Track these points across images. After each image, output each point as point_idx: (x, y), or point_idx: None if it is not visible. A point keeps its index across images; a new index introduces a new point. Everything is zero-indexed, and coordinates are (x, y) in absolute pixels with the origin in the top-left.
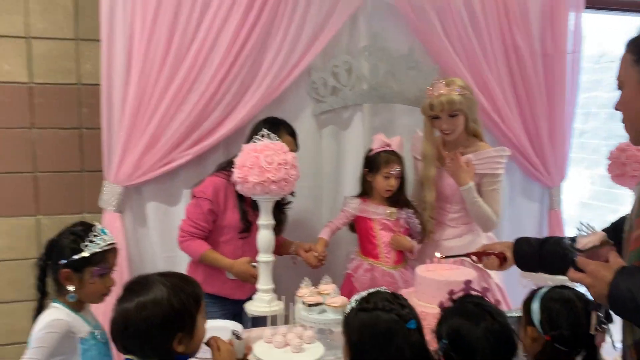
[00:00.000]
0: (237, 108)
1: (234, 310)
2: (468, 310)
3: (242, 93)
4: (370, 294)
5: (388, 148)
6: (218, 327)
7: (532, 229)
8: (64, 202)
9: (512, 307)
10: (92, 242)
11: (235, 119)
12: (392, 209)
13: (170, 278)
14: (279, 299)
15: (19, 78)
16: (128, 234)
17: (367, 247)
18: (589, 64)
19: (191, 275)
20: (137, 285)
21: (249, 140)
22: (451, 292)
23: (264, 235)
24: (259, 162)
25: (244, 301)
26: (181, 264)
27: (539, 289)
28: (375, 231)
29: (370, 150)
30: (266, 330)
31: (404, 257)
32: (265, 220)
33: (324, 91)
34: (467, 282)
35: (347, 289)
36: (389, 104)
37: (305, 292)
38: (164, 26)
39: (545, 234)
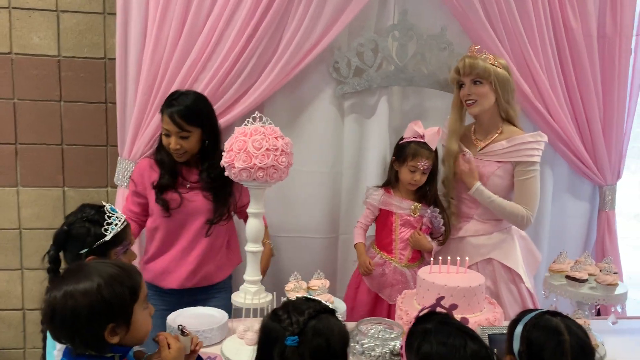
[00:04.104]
0: (253, 87)
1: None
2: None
3: (259, 71)
4: (297, 299)
5: (420, 139)
6: (203, 314)
7: (579, 232)
8: (89, 175)
9: None
10: (109, 224)
11: (250, 98)
12: (417, 205)
13: (109, 267)
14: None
15: (49, 51)
16: None
17: (383, 240)
18: None
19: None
20: (70, 274)
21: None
22: (422, 310)
23: (253, 224)
24: (246, 147)
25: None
26: None
27: (528, 311)
28: (395, 226)
29: (402, 138)
30: (240, 326)
31: (420, 256)
32: (254, 208)
33: (346, 71)
34: (438, 299)
35: (355, 281)
36: (419, 87)
37: (292, 286)
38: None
39: (593, 237)
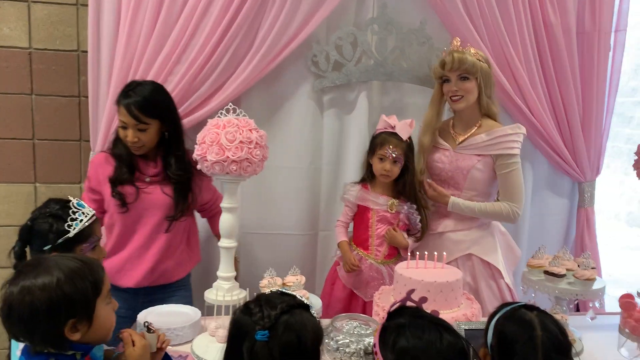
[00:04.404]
0: (229, 81)
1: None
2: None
3: (235, 65)
4: (271, 292)
5: (390, 129)
6: (176, 312)
7: (559, 229)
8: (61, 171)
9: None
10: (74, 220)
11: (226, 92)
12: (394, 201)
13: (69, 261)
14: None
15: (19, 43)
16: None
17: (359, 236)
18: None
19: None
20: (28, 268)
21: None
22: (393, 304)
23: (226, 219)
24: (219, 139)
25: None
26: None
27: (506, 304)
28: (371, 222)
29: (376, 130)
30: (212, 323)
31: (396, 253)
32: (228, 203)
33: (325, 65)
34: (409, 293)
35: (331, 277)
36: (398, 82)
37: (266, 282)
38: None
39: (573, 234)
